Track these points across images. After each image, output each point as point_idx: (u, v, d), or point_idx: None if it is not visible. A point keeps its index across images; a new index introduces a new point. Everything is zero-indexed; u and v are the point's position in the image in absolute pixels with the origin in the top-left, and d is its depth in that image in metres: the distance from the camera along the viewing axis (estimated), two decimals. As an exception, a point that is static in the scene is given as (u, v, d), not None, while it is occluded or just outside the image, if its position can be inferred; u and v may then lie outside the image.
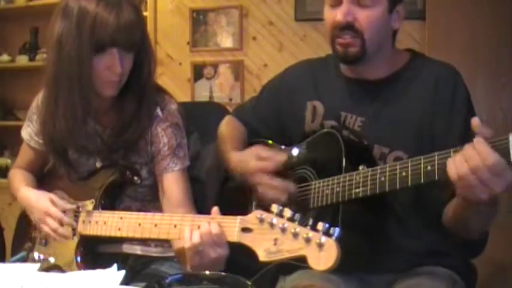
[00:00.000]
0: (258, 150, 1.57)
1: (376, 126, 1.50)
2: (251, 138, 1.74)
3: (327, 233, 1.05)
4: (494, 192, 1.17)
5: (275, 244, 1.11)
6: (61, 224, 1.50)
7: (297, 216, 1.11)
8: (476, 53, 2.91)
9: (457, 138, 1.36)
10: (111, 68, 1.44)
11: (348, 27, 1.45)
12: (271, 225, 1.13)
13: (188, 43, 3.75)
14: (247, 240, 1.17)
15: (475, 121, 1.18)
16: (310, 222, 1.08)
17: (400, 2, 1.49)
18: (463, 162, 1.17)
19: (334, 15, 1.46)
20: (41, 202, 1.54)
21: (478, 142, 1.15)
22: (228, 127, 1.78)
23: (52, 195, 1.56)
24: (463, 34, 2.93)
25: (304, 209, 1.48)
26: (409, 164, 1.29)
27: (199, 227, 1.26)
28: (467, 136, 1.22)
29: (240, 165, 1.59)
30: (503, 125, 2.93)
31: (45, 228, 1.52)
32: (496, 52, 2.91)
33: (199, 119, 1.87)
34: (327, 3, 1.50)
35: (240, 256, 1.25)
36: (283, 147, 1.66)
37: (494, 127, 1.48)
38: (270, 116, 1.71)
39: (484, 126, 1.18)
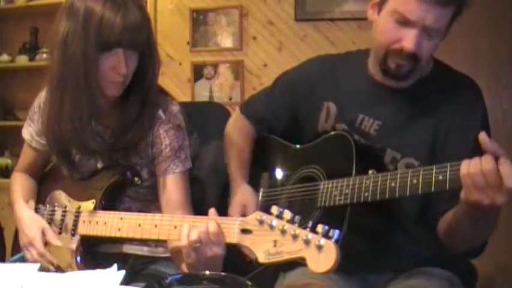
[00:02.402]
0: (245, 200, 1.65)
1: (392, 131, 1.49)
2: (260, 134, 1.75)
3: (326, 235, 1.05)
4: (495, 203, 1.17)
5: (275, 246, 1.11)
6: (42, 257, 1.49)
7: (297, 218, 1.11)
8: (476, 54, 2.91)
9: (469, 155, 1.30)
10: (115, 68, 1.43)
11: (412, 55, 1.40)
12: (271, 226, 1.13)
13: (188, 43, 3.75)
14: (246, 241, 1.17)
15: (482, 136, 1.18)
16: (310, 224, 1.08)
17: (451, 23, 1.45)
18: (477, 162, 1.18)
19: (400, 36, 1.39)
20: (31, 229, 1.53)
21: (503, 163, 1.16)
22: (234, 132, 1.78)
23: (45, 225, 1.54)
24: (464, 34, 2.92)
25: (310, 208, 1.49)
26: (421, 172, 1.28)
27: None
28: (478, 154, 1.21)
29: (231, 194, 1.69)
30: (503, 125, 2.93)
31: (28, 255, 1.52)
32: (496, 53, 2.91)
33: (199, 119, 1.86)
34: (392, 16, 1.40)
35: (239, 253, 1.25)
36: (285, 142, 1.68)
37: (494, 127, 1.49)
38: (283, 108, 1.69)
39: (493, 143, 1.18)
